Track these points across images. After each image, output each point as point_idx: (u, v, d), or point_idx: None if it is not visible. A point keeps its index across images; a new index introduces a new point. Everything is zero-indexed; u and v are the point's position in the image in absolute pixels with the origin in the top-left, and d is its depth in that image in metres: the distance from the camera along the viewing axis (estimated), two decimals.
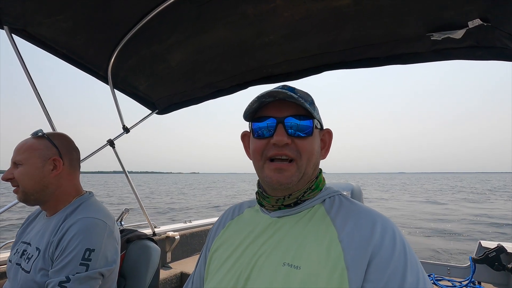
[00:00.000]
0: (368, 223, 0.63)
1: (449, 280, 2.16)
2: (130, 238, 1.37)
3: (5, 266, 1.52)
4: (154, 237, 2.04)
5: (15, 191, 1.09)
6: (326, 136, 0.78)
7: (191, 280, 0.84)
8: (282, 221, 0.71)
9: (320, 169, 0.77)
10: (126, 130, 2.02)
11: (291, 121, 0.68)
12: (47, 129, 1.28)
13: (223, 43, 1.47)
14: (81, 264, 0.94)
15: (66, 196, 1.13)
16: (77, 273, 0.93)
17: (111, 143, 1.96)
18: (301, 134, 0.69)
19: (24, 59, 1.45)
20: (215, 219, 3.27)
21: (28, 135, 1.14)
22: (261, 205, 0.78)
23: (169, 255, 2.58)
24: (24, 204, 1.14)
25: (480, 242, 2.24)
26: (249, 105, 0.70)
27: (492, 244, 2.12)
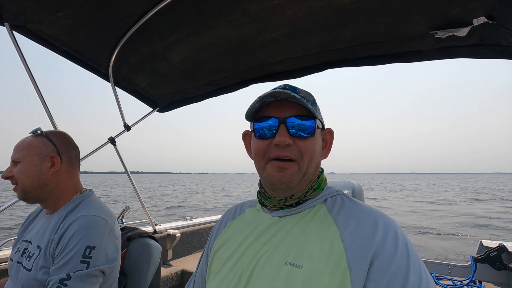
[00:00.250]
0: (370, 223, 0.62)
1: (450, 279, 2.16)
2: (131, 236, 1.38)
3: (7, 264, 1.52)
4: (155, 235, 2.04)
5: (14, 189, 1.10)
6: (328, 136, 0.78)
7: (193, 279, 0.85)
8: (284, 220, 0.71)
9: (322, 169, 0.77)
10: (127, 127, 2.01)
11: (293, 121, 0.68)
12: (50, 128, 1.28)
13: (225, 41, 1.46)
14: (81, 262, 0.94)
15: (66, 194, 1.13)
16: (77, 270, 0.93)
17: (112, 141, 1.96)
18: (303, 134, 0.68)
19: (25, 56, 1.44)
20: (215, 217, 3.28)
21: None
22: (262, 204, 0.78)
23: (170, 253, 2.58)
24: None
25: (481, 241, 2.23)
26: (251, 105, 0.70)
27: (493, 244, 2.11)
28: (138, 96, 2.06)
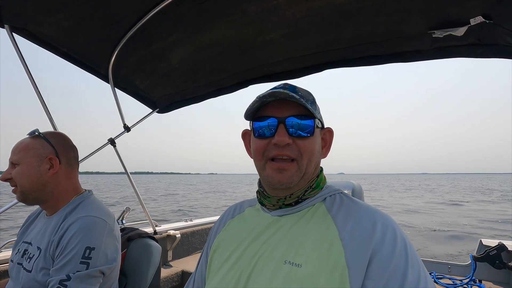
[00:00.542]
0: (369, 221, 0.63)
1: (450, 278, 2.16)
2: (131, 236, 1.38)
3: (7, 265, 1.52)
4: (155, 236, 2.05)
5: (13, 191, 1.10)
6: (327, 135, 0.78)
7: (192, 279, 0.85)
8: (283, 219, 0.71)
9: (321, 168, 0.77)
10: (127, 128, 2.02)
11: (292, 121, 0.68)
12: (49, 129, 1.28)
13: (224, 41, 1.47)
14: (81, 263, 0.95)
15: (65, 195, 1.13)
16: (77, 271, 0.93)
17: (112, 142, 1.96)
18: (302, 134, 0.68)
19: (25, 58, 1.45)
20: (216, 218, 3.27)
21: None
22: (262, 204, 0.78)
23: (170, 253, 2.58)
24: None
25: (481, 240, 2.23)
26: (250, 105, 0.70)
27: (493, 242, 2.11)
28: (138, 97, 2.07)
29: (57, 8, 1.24)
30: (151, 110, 2.18)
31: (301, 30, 1.34)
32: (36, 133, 1.13)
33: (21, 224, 1.24)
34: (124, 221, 2.39)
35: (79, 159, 1.24)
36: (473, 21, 1.06)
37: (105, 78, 1.79)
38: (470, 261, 2.11)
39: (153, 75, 1.81)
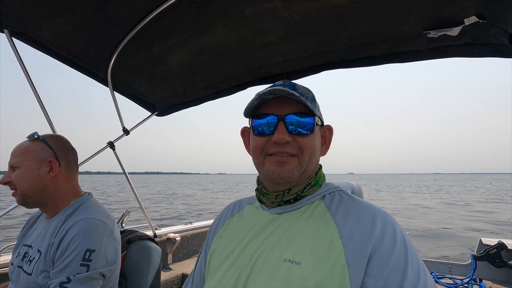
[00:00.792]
0: (368, 219, 0.63)
1: (450, 278, 2.16)
2: (131, 238, 1.38)
3: (7, 268, 1.52)
4: (155, 239, 2.04)
5: (13, 194, 1.10)
6: (327, 133, 0.78)
7: (191, 278, 0.84)
8: (282, 217, 0.71)
9: (320, 165, 0.77)
10: (126, 132, 2.02)
11: (292, 118, 0.68)
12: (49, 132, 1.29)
13: (222, 44, 1.48)
14: (81, 265, 0.95)
15: (65, 198, 1.13)
16: (77, 273, 0.93)
17: (111, 145, 1.97)
18: (302, 132, 0.68)
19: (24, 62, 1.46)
20: None
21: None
22: (260, 202, 0.78)
23: (170, 256, 2.57)
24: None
25: (480, 239, 2.24)
26: (250, 102, 0.70)
27: (492, 241, 2.12)
28: (137, 100, 2.07)
29: (56, 12, 1.25)
30: (150, 113, 2.19)
31: (298, 31, 1.35)
32: (35, 136, 1.13)
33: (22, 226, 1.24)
34: (123, 225, 2.39)
35: (79, 162, 1.25)
36: (467, 21, 1.07)
37: (104, 82, 1.79)
38: (470, 261, 2.11)
39: (152, 78, 1.82)
